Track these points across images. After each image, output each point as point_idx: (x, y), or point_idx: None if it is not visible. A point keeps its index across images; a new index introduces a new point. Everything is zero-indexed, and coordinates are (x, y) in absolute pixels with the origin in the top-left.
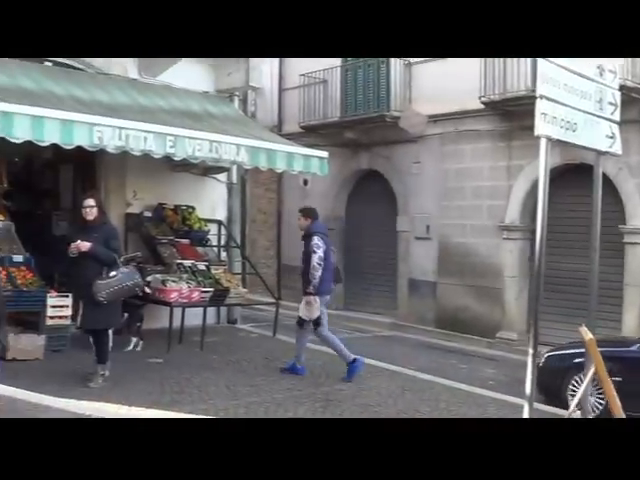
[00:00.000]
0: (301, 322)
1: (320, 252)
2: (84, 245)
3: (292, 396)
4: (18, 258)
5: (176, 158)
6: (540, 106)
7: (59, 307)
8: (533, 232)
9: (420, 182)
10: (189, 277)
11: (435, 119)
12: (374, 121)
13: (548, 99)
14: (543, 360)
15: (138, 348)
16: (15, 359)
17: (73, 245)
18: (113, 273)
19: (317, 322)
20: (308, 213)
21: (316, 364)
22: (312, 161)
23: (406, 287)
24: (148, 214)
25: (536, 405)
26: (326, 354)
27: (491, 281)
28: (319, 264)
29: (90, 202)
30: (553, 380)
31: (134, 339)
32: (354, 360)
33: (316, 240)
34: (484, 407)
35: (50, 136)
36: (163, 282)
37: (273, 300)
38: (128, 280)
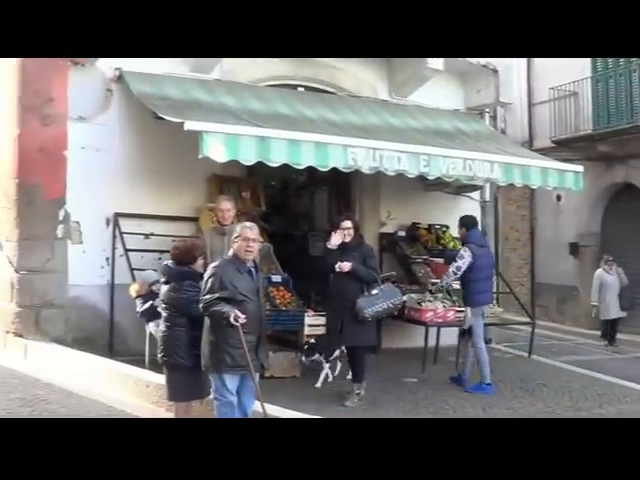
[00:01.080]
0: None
1: (460, 262)
2: (345, 266)
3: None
4: (277, 278)
5: (430, 177)
6: None
7: (316, 326)
8: None
9: None
10: (444, 297)
11: None
12: (629, 132)
13: None
14: None
15: (330, 378)
16: (273, 376)
17: (337, 266)
18: (375, 291)
19: (469, 331)
20: (464, 222)
21: (574, 387)
22: (567, 176)
23: None
24: (402, 234)
25: None
26: (585, 376)
27: None
28: (454, 273)
29: (347, 224)
30: None
31: (327, 365)
32: (489, 384)
33: (463, 251)
34: None
35: (306, 159)
36: (418, 302)
37: (528, 320)
38: (391, 298)
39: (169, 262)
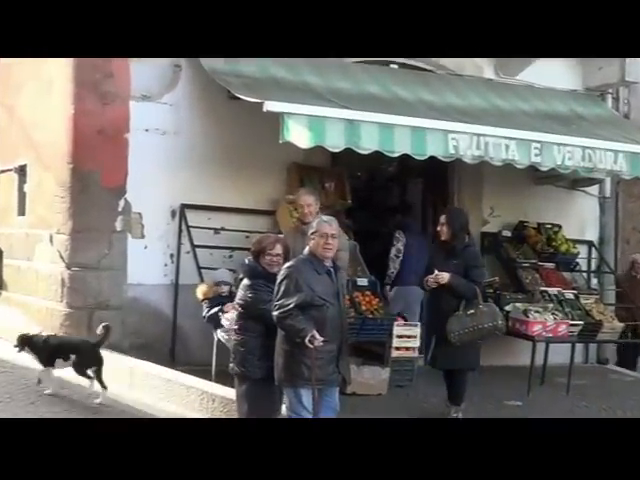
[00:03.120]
0: None
1: None
2: (442, 277)
3: None
4: (363, 282)
5: (542, 168)
6: None
7: (406, 337)
8: None
9: None
10: (555, 307)
11: None
12: None
13: None
14: None
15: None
16: (355, 393)
17: (431, 278)
18: (472, 311)
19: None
20: None
21: None
22: None
23: None
24: (507, 233)
25: None
26: None
27: None
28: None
29: (444, 219)
30: None
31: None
32: None
33: None
34: None
35: (401, 146)
36: (524, 312)
37: None
38: (487, 321)
39: (249, 258)
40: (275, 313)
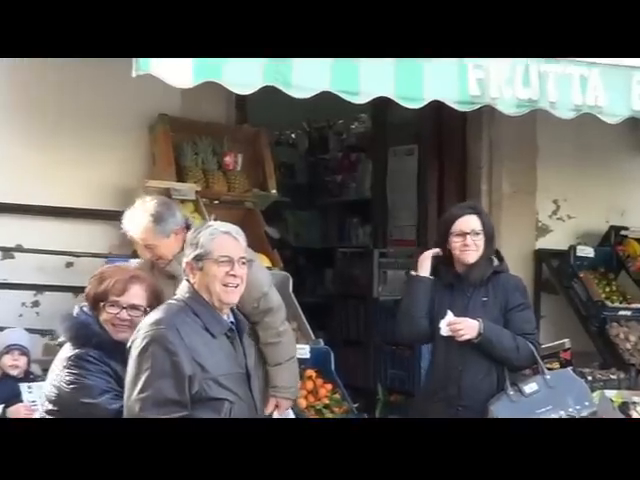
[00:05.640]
0: None
1: None
2: (468, 328)
3: None
4: (304, 352)
5: None
6: None
7: None
8: None
9: None
10: None
11: None
12: None
13: None
14: None
15: None
16: None
17: (445, 324)
18: (531, 386)
19: None
20: None
21: None
22: None
23: None
24: (586, 251)
25: None
26: None
27: None
28: None
29: (472, 222)
30: None
31: None
32: None
33: None
34: None
35: (373, 85)
36: (622, 406)
37: None
38: (569, 404)
39: (81, 306)
40: (137, 410)
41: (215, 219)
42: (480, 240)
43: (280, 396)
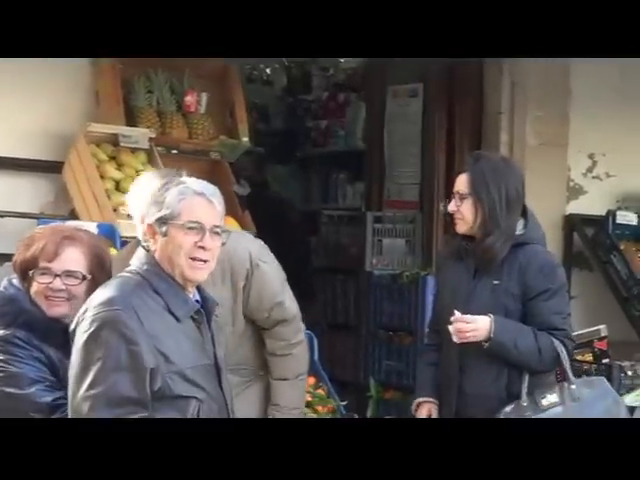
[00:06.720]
0: None
1: None
2: (477, 330)
3: None
4: None
5: None
6: None
7: None
8: None
9: None
10: None
11: None
12: None
13: None
14: None
15: None
16: None
17: (455, 328)
18: (551, 396)
19: None
20: None
21: None
22: None
23: None
24: (629, 217)
25: None
26: None
27: None
28: None
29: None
30: None
31: None
32: None
33: None
34: None
35: None
36: None
37: None
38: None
39: (9, 280)
40: (85, 410)
41: (189, 176)
42: (466, 206)
43: (281, 417)
